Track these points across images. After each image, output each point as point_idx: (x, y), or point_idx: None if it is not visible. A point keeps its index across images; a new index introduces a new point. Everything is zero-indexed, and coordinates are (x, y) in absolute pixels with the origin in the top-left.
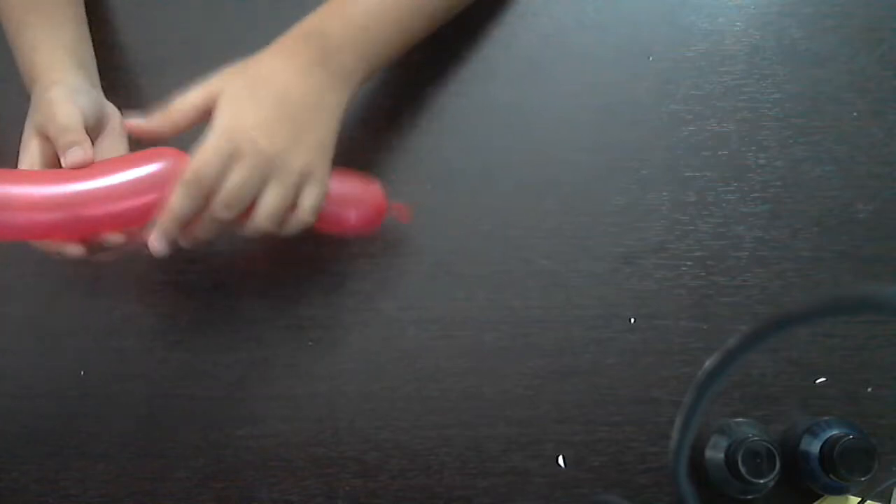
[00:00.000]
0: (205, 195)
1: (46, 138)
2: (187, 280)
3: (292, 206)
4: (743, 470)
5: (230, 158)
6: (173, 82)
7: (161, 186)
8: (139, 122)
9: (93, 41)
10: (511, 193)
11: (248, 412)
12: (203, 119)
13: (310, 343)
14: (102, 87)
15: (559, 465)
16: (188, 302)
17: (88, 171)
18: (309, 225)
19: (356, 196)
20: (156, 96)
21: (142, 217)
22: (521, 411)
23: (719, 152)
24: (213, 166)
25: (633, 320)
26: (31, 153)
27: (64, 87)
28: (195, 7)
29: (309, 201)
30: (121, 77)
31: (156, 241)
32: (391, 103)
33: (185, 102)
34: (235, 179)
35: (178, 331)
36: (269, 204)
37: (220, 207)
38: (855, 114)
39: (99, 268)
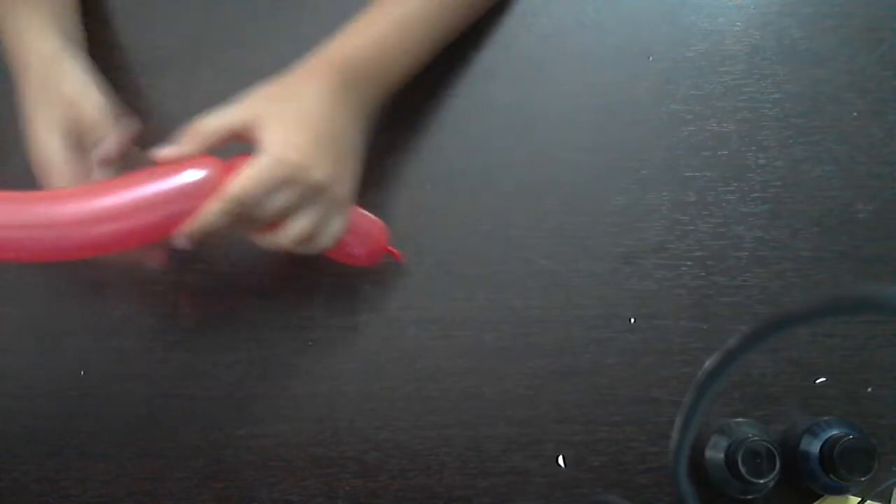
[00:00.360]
0: (243, 213)
1: (69, 132)
2: (187, 280)
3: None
4: (743, 470)
5: (281, 184)
6: (173, 82)
7: (202, 194)
8: (169, 152)
9: (93, 41)
10: (511, 193)
11: (248, 412)
12: (231, 141)
13: (310, 343)
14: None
15: (559, 465)
16: (188, 302)
17: (137, 179)
18: (325, 250)
19: (366, 231)
20: (156, 96)
21: (180, 223)
22: (521, 411)
23: (719, 152)
24: (261, 190)
25: (633, 320)
26: (55, 152)
27: (80, 75)
28: (195, 7)
29: (333, 229)
30: (121, 77)
31: (181, 241)
32: (392, 103)
33: (217, 124)
34: (278, 204)
35: (178, 331)
36: (299, 228)
37: (252, 223)
38: (855, 114)
39: (99, 268)
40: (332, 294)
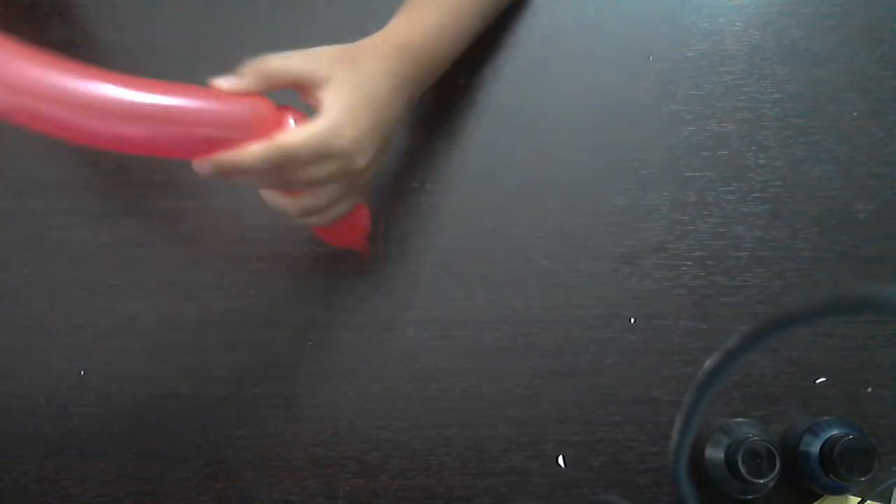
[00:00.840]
0: (281, 168)
1: None
2: (187, 280)
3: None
4: (743, 470)
5: (325, 155)
6: None
7: (248, 131)
8: (227, 82)
9: (93, 41)
10: (512, 193)
11: (248, 412)
12: (289, 88)
13: (310, 343)
14: None
15: (559, 465)
16: (188, 302)
17: (190, 89)
18: (321, 224)
19: (354, 219)
20: None
21: (214, 149)
22: (521, 411)
23: (719, 152)
24: (307, 154)
25: (633, 320)
26: None
27: None
28: (195, 7)
29: (340, 210)
30: None
31: (208, 168)
32: None
33: (283, 67)
34: (314, 174)
35: (178, 331)
36: (316, 201)
37: (280, 180)
38: (855, 114)
39: (98, 267)
40: (331, 294)
